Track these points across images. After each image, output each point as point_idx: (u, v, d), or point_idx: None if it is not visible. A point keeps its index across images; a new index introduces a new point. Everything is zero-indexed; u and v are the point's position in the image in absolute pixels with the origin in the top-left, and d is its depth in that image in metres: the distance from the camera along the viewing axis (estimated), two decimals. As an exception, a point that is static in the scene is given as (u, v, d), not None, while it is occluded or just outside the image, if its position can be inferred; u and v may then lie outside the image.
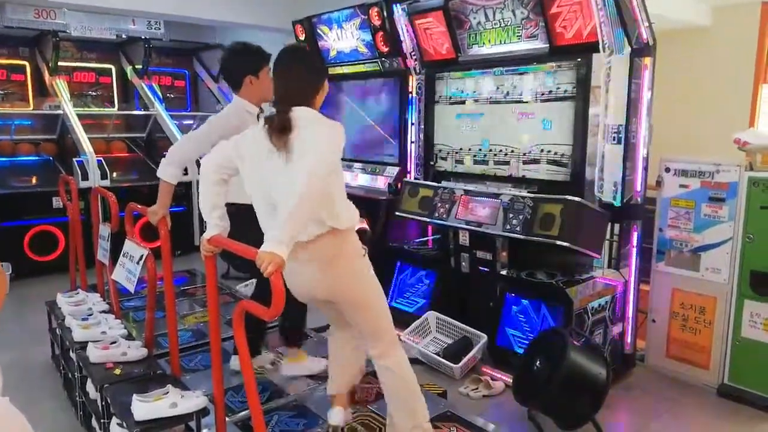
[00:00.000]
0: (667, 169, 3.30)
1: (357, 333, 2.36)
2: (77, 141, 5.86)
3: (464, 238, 3.63)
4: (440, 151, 4.10)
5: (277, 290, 1.71)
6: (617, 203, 3.12)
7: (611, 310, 3.24)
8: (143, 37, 6.74)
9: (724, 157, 3.11)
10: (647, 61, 3.04)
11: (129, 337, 2.92)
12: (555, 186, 3.33)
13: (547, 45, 3.34)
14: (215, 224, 2.12)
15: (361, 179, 4.73)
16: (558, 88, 3.31)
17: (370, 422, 2.55)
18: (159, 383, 2.37)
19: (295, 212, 1.79)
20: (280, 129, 1.96)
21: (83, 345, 2.76)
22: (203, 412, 2.22)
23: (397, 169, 4.45)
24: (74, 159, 5.73)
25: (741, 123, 4.45)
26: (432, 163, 4.16)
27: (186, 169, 3.04)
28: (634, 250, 3.25)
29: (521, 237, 3.16)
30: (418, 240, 4.47)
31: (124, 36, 6.78)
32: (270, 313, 1.77)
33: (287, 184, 1.89)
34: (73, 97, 6.44)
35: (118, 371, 2.56)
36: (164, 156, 2.71)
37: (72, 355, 2.88)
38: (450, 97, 3.98)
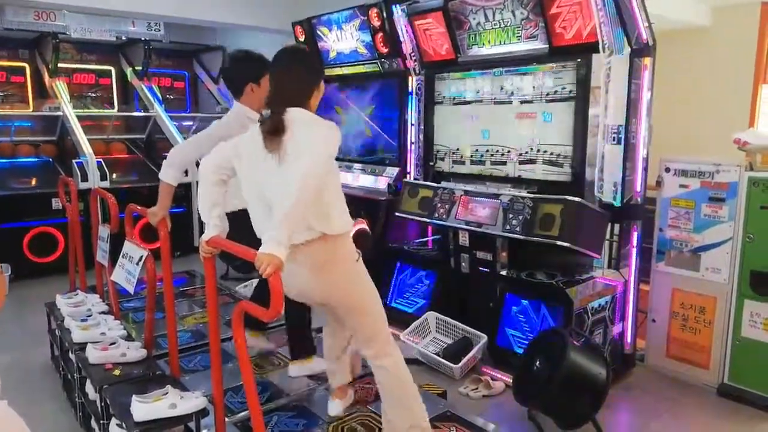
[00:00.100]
0: (667, 169, 3.30)
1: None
2: (77, 142, 5.86)
3: (464, 239, 3.63)
4: (438, 151, 4.10)
5: (276, 291, 1.71)
6: (617, 203, 3.12)
7: (611, 310, 3.24)
8: (143, 39, 6.75)
9: (724, 157, 3.11)
10: (647, 61, 3.04)
11: (128, 338, 2.92)
12: (555, 186, 3.33)
13: (547, 45, 3.34)
14: (214, 225, 2.11)
15: (361, 180, 4.73)
16: (558, 88, 3.31)
17: (370, 422, 2.54)
18: (158, 384, 2.36)
19: (291, 213, 1.79)
20: (272, 130, 1.96)
21: (82, 346, 2.75)
22: (203, 412, 2.22)
23: (396, 169, 4.46)
24: (74, 160, 5.73)
25: (741, 123, 4.46)
26: (432, 163, 4.16)
27: (186, 171, 3.05)
28: (634, 250, 3.25)
29: (521, 237, 3.16)
30: (418, 240, 4.47)
31: (123, 38, 6.80)
32: (269, 314, 1.77)
33: (281, 184, 1.88)
34: (72, 98, 6.44)
35: (117, 372, 2.56)
36: (165, 158, 2.72)
37: (71, 356, 2.87)
38: (450, 98, 3.98)
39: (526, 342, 3.12)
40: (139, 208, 2.86)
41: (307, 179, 1.82)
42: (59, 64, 6.36)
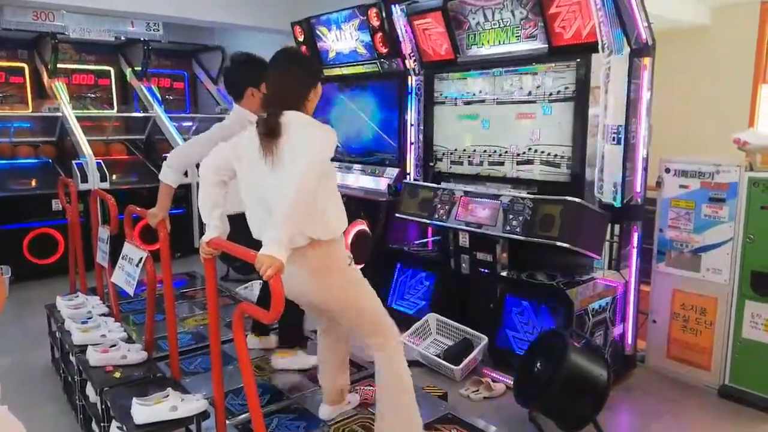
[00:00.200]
0: (667, 170, 3.30)
1: (346, 336, 2.43)
2: (76, 143, 5.85)
3: (464, 240, 3.63)
4: (436, 152, 4.10)
5: (276, 293, 1.71)
6: (617, 204, 3.12)
7: (612, 311, 3.24)
8: (142, 39, 6.74)
9: (724, 158, 3.10)
10: (646, 61, 3.04)
11: (129, 340, 2.91)
12: (554, 187, 3.33)
13: (546, 45, 3.33)
14: (215, 226, 2.11)
15: (361, 181, 4.73)
16: (557, 88, 3.31)
17: (370, 424, 2.54)
18: (159, 386, 2.36)
19: (290, 214, 1.80)
20: (268, 133, 1.97)
21: (83, 348, 2.75)
22: (203, 415, 2.22)
23: (396, 170, 4.45)
24: (73, 161, 5.72)
25: (741, 123, 4.46)
26: (431, 164, 4.16)
27: (186, 172, 3.05)
28: (635, 251, 3.25)
29: (521, 238, 3.15)
30: (418, 241, 4.47)
31: (123, 38, 6.78)
32: (269, 316, 1.77)
33: (278, 186, 1.89)
34: (72, 99, 6.43)
35: (117, 374, 2.55)
36: (165, 159, 2.72)
37: (72, 358, 2.87)
38: (450, 98, 3.97)
39: (527, 343, 3.12)
40: (138, 209, 2.85)
41: (303, 181, 1.83)
42: (58, 65, 6.35)
